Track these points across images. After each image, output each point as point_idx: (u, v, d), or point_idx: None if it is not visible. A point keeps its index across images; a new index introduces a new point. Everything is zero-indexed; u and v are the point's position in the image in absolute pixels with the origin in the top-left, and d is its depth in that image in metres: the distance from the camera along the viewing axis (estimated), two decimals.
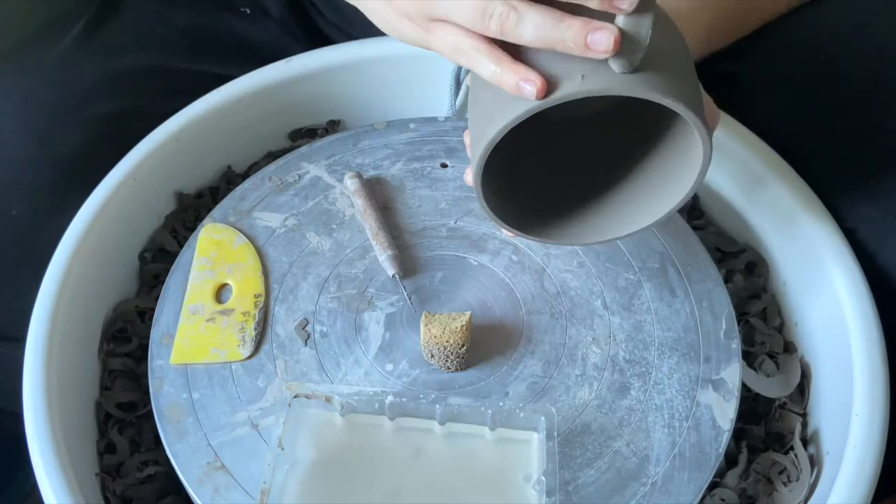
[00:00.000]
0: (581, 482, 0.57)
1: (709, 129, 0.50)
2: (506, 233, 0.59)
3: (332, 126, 0.84)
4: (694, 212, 0.77)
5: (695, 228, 0.72)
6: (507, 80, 0.48)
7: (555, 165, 0.60)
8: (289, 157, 0.75)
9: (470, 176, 0.54)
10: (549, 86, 0.47)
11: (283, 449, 0.57)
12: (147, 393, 0.62)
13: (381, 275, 0.67)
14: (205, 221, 0.70)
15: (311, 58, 0.80)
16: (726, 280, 0.70)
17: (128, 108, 0.74)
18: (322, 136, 0.82)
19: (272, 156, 0.80)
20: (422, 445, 0.58)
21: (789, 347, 0.70)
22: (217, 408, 0.61)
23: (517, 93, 0.48)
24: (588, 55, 0.46)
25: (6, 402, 0.64)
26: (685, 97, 0.49)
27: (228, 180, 0.79)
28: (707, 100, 0.56)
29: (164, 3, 0.80)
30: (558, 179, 0.60)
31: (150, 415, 0.62)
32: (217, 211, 0.71)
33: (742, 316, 0.70)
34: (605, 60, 0.47)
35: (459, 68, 0.76)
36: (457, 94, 0.77)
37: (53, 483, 0.57)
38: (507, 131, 0.49)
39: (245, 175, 0.79)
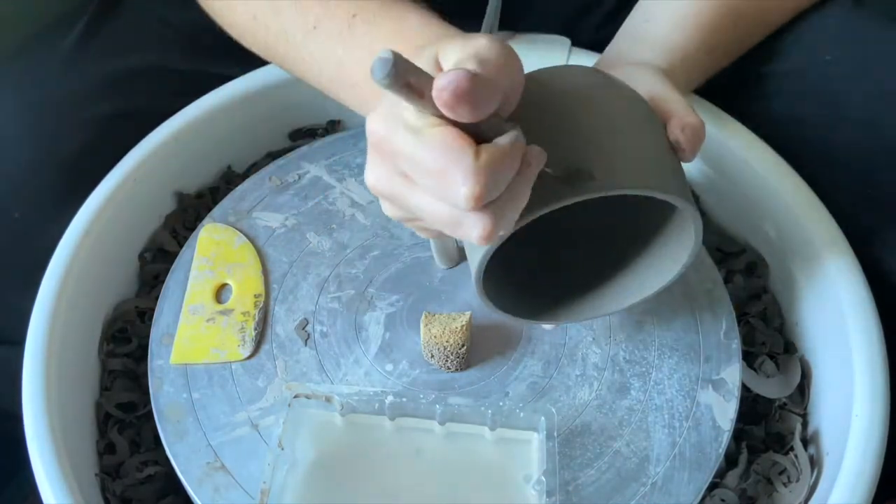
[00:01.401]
0: (581, 482, 0.57)
1: (695, 207, 0.50)
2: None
3: (332, 126, 0.84)
4: None
5: None
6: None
7: (548, 249, 0.61)
8: (289, 157, 0.75)
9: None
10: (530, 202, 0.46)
11: (283, 449, 0.57)
12: (147, 393, 0.62)
13: (381, 275, 0.67)
14: (205, 221, 0.70)
15: None
16: (726, 280, 0.70)
17: (128, 108, 0.74)
18: (322, 136, 0.82)
19: (272, 156, 0.80)
20: (422, 445, 0.58)
21: (789, 347, 0.70)
22: (217, 408, 0.61)
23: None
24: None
25: (6, 403, 0.64)
26: (664, 184, 0.48)
27: (228, 180, 0.79)
28: (687, 109, 0.54)
29: (165, 4, 0.80)
30: (552, 262, 0.61)
31: (150, 415, 0.62)
32: (217, 211, 0.71)
33: (742, 316, 0.70)
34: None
35: None
36: None
37: (53, 484, 0.57)
38: (497, 246, 0.49)
39: (245, 175, 0.78)
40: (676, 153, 0.52)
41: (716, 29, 0.67)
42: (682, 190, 0.50)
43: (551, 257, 0.61)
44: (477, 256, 0.51)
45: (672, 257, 0.56)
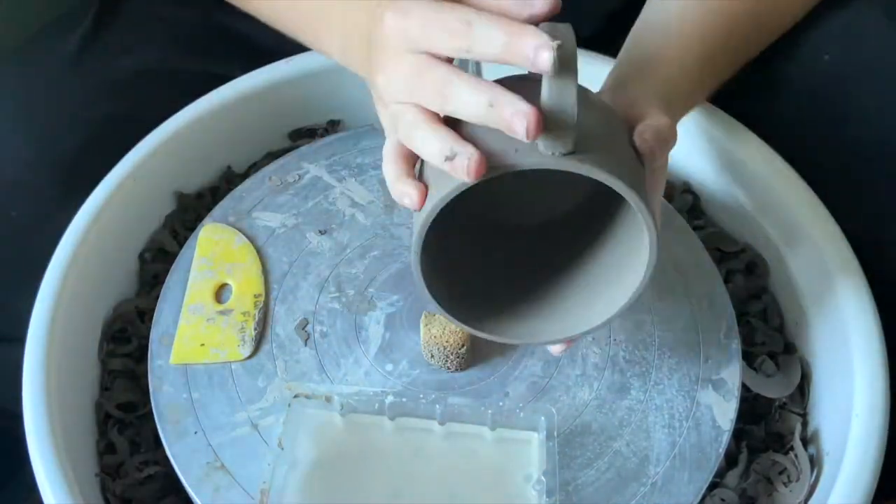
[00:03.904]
0: (581, 482, 0.57)
1: (651, 209, 0.47)
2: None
3: (332, 126, 0.84)
4: (694, 212, 0.77)
5: (695, 228, 0.72)
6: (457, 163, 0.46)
7: (507, 269, 0.58)
8: (289, 157, 0.75)
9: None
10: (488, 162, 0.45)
11: (283, 449, 0.57)
12: (147, 393, 0.62)
13: (381, 275, 0.67)
14: (205, 221, 0.70)
15: (311, 58, 0.80)
16: (726, 280, 0.70)
17: (128, 108, 0.74)
18: (322, 136, 0.82)
19: (272, 156, 0.80)
20: (422, 445, 0.58)
21: (789, 347, 0.70)
22: (217, 408, 0.60)
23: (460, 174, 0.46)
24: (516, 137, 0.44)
25: (6, 402, 0.64)
26: (624, 175, 0.46)
27: (228, 180, 0.79)
28: (656, 191, 0.52)
29: (165, 4, 0.80)
30: (509, 281, 0.58)
31: (149, 415, 0.62)
32: (217, 211, 0.71)
33: (742, 316, 0.70)
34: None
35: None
36: None
37: (53, 483, 0.57)
38: (441, 207, 0.47)
39: (245, 175, 0.78)
40: (640, 157, 0.50)
41: (729, 35, 0.64)
42: (643, 196, 0.48)
43: (506, 279, 0.58)
44: (420, 220, 0.48)
45: (630, 278, 0.52)
